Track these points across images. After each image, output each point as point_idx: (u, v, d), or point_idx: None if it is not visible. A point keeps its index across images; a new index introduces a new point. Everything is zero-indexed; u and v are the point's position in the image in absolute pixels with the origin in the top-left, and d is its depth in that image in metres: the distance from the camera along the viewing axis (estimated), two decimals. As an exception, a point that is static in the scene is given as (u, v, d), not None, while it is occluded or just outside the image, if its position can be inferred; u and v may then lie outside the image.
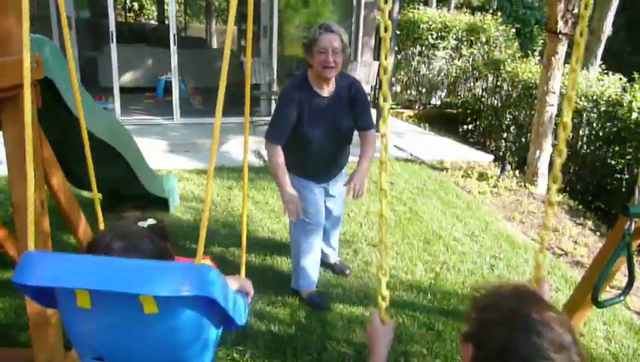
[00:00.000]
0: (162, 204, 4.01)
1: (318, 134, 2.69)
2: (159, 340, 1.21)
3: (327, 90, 2.70)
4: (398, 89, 10.40)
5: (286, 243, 3.71)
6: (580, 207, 5.56)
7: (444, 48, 10.02)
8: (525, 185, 5.64)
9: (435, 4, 14.33)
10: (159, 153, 5.82)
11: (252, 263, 3.38)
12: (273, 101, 7.17)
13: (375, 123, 3.12)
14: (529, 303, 0.97)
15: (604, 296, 3.18)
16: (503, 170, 5.88)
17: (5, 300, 2.84)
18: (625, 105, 5.78)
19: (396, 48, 9.05)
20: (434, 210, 4.60)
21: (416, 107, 10.03)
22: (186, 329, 1.21)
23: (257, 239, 3.77)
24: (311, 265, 3.00)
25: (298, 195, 2.70)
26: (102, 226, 1.85)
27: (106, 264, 1.17)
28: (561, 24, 5.11)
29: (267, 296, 3.02)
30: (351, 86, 2.77)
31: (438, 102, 10.32)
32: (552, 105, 5.52)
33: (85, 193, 4.09)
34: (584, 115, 6.36)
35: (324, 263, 3.33)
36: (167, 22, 10.57)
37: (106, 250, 1.23)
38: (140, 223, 1.35)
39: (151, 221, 1.37)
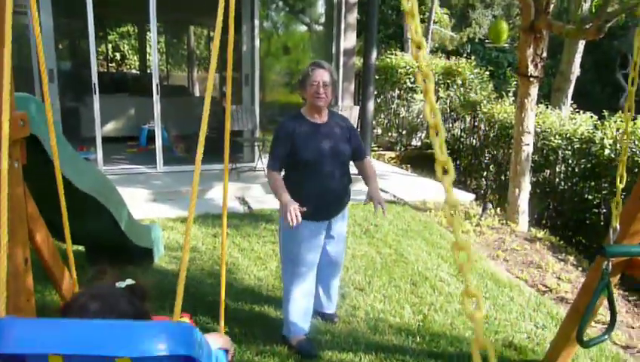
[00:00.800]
0: (147, 254, 3.98)
1: (314, 157, 2.81)
2: None
3: (320, 119, 2.90)
4: (379, 131, 10.60)
5: (273, 290, 3.69)
6: (562, 242, 5.65)
7: (421, 91, 10.28)
8: (507, 223, 5.72)
9: (411, 49, 14.80)
10: (143, 202, 5.80)
11: (239, 311, 3.35)
12: (256, 148, 7.25)
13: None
14: None
15: (589, 330, 3.21)
16: (484, 208, 5.98)
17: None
18: (597, 142, 5.98)
19: (375, 92, 9.28)
20: (419, 251, 4.63)
21: (398, 149, 10.20)
22: None
23: (244, 286, 3.74)
24: (302, 312, 2.97)
25: (295, 236, 2.81)
26: (75, 280, 1.82)
27: (80, 327, 1.14)
28: (531, 68, 5.33)
29: (255, 345, 2.98)
30: (344, 120, 3.05)
31: (419, 143, 10.52)
32: (528, 144, 5.68)
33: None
34: (559, 152, 6.54)
35: (317, 312, 3.24)
36: (149, 71, 10.73)
37: (81, 312, 1.21)
38: (118, 284, 1.33)
39: (129, 281, 1.36)
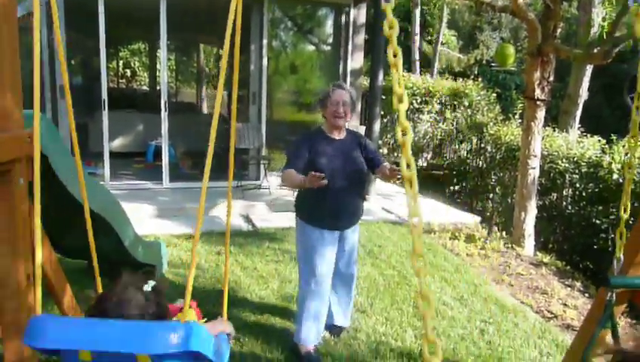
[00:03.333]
0: (150, 271, 3.97)
1: (331, 169, 2.88)
2: None
3: (338, 135, 3.05)
4: (385, 151, 10.61)
5: (275, 310, 3.66)
6: (568, 267, 5.59)
7: (428, 112, 10.34)
8: (513, 247, 5.68)
9: (418, 70, 14.91)
10: (148, 218, 5.81)
11: (241, 330, 3.32)
12: (262, 166, 7.28)
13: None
14: None
15: (595, 360, 3.16)
16: (490, 232, 5.94)
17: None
18: (605, 166, 5.95)
19: (382, 113, 9.32)
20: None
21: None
22: None
23: (246, 305, 3.72)
24: (314, 323, 3.05)
25: (310, 246, 2.93)
26: (100, 290, 1.92)
27: (105, 326, 1.36)
28: (538, 91, 5.35)
29: (255, 367, 2.95)
30: (359, 136, 3.19)
31: (425, 164, 10.52)
32: (534, 167, 5.66)
33: (68, 260, 4.05)
34: (566, 175, 6.52)
35: (328, 323, 3.29)
36: (158, 88, 10.85)
37: (106, 310, 1.41)
38: (145, 287, 1.52)
39: (152, 282, 1.55)
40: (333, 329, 3.38)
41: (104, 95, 6.69)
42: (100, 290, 1.98)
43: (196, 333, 1.35)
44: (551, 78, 5.42)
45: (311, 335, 3.06)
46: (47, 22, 6.23)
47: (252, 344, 3.18)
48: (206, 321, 2.10)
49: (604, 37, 5.23)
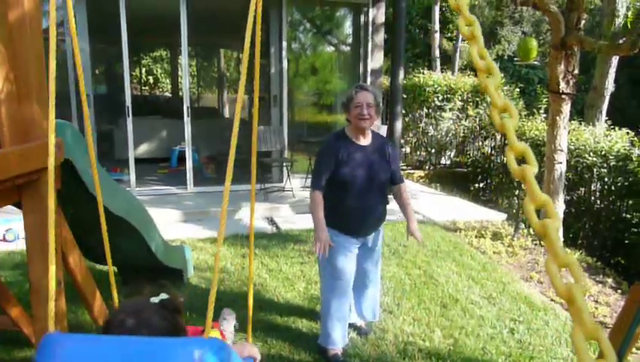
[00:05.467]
0: (177, 274, 4.02)
1: (355, 177, 2.89)
2: None
3: (363, 141, 2.97)
4: (408, 150, 10.54)
5: (301, 311, 3.66)
6: (599, 263, 5.45)
7: (450, 109, 10.23)
8: (541, 244, 5.57)
9: (439, 68, 14.77)
10: (173, 223, 5.88)
11: (268, 332, 3.33)
12: (285, 168, 7.30)
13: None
14: None
15: (631, 357, 3.07)
16: (516, 229, 5.84)
17: (19, 380, 2.81)
18: (634, 159, 5.79)
19: (403, 111, 9.25)
20: (449, 272, 4.54)
21: (427, 167, 10.11)
22: None
23: (273, 307, 3.72)
24: (338, 324, 3.05)
25: (330, 247, 2.86)
26: (116, 299, 1.91)
27: (121, 344, 1.25)
28: (562, 85, 5.23)
29: (283, 369, 2.95)
30: (385, 142, 3.10)
31: (448, 162, 10.41)
32: (561, 162, 5.54)
33: (100, 267, 4.12)
34: (594, 170, 6.37)
35: (350, 324, 3.31)
36: (180, 94, 10.99)
37: (120, 327, 1.31)
38: (152, 299, 1.42)
39: (163, 296, 1.44)
40: (360, 329, 3.38)
41: (128, 102, 6.80)
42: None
43: (221, 350, 1.24)
44: (576, 71, 5.30)
45: (336, 336, 3.06)
46: (70, 31, 6.37)
47: (279, 346, 3.19)
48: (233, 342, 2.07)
49: (629, 27, 5.09)
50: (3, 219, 5.07)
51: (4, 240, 5.04)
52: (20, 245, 4.81)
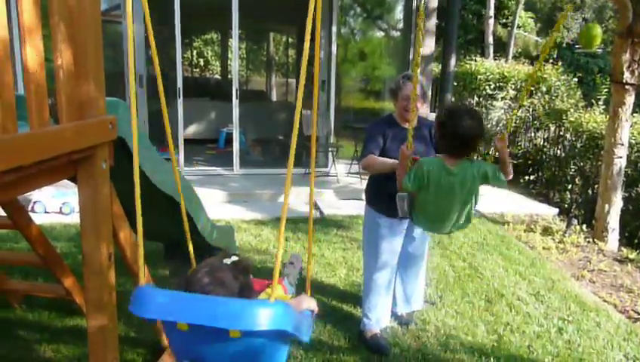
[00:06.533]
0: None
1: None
2: (241, 355, 1.54)
3: (409, 125, 2.82)
4: (456, 139, 10.29)
5: (342, 297, 3.66)
6: (657, 265, 5.17)
7: (502, 98, 9.90)
8: (594, 241, 5.33)
9: (492, 55, 14.31)
10: (219, 203, 5.98)
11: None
12: (330, 153, 7.27)
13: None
14: None
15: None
16: (569, 224, 5.61)
17: (70, 348, 2.94)
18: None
19: (453, 99, 9.03)
20: (495, 266, 4.42)
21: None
22: (262, 348, 1.56)
23: (314, 292, 3.72)
24: (380, 306, 3.07)
25: (376, 232, 2.94)
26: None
27: (201, 302, 1.49)
28: (627, 74, 4.95)
29: (322, 353, 2.96)
30: (430, 125, 3.01)
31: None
32: (621, 157, 5.27)
33: (149, 244, 4.24)
34: (657, 167, 6.02)
35: (392, 311, 3.30)
36: (230, 76, 11.11)
37: (198, 285, 1.56)
38: (225, 260, 1.66)
39: (234, 258, 1.68)
40: (401, 319, 3.36)
41: (179, 84, 6.93)
42: (194, 265, 2.09)
43: (283, 312, 1.46)
44: (642, 61, 4.99)
45: (376, 318, 3.08)
46: (126, 14, 6.52)
47: (319, 330, 3.20)
48: (291, 297, 2.15)
49: None
50: (60, 193, 5.30)
51: (61, 212, 5.27)
52: (75, 218, 5.01)
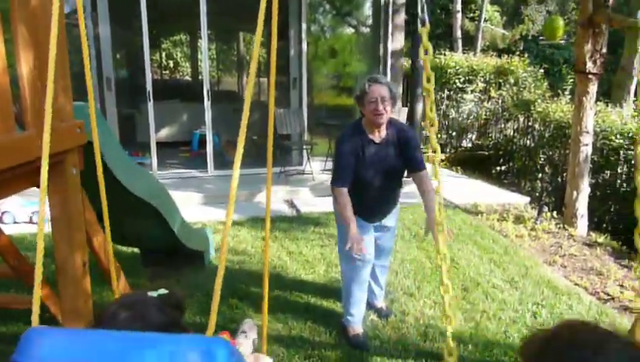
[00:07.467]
0: (198, 257, 4.06)
1: (371, 177, 2.87)
2: None
3: (378, 137, 2.87)
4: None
5: (321, 293, 3.68)
6: (625, 247, 5.34)
7: (472, 91, 10.06)
8: (564, 227, 5.48)
9: (460, 49, 14.50)
10: (194, 206, 5.94)
11: (287, 314, 3.35)
12: (304, 151, 7.29)
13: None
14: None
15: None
16: (540, 212, 5.75)
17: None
18: (664, 141, 5.63)
19: (423, 94, 9.13)
20: (470, 255, 4.50)
21: (448, 150, 9.99)
22: None
23: (294, 290, 3.74)
24: (358, 304, 3.11)
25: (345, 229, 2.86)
26: (115, 287, 1.82)
27: (109, 339, 1.07)
28: (589, 64, 5.09)
29: (304, 350, 2.98)
30: (400, 132, 2.91)
31: (469, 145, 10.27)
32: (587, 144, 5.42)
33: (123, 249, 4.19)
34: (621, 152, 6.21)
35: (371, 305, 3.38)
36: (200, 77, 11.01)
37: (112, 320, 1.19)
38: (150, 293, 1.30)
39: (162, 291, 1.32)
40: (380, 311, 3.41)
41: (149, 86, 6.84)
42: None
43: (225, 353, 0.98)
44: (603, 50, 5.14)
45: (356, 317, 3.11)
46: (92, 17, 6.40)
47: (300, 328, 3.21)
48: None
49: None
50: (29, 202, 5.18)
51: (31, 222, 5.15)
52: (47, 227, 4.90)
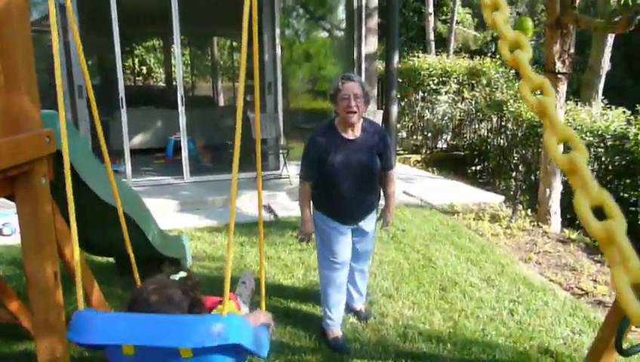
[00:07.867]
0: (175, 264, 4.01)
1: (344, 175, 2.86)
2: None
3: (352, 134, 2.89)
4: (404, 135, 10.51)
5: (300, 297, 3.67)
6: (597, 243, 5.45)
7: (446, 93, 10.18)
8: (539, 225, 5.58)
9: (433, 51, 14.68)
10: (170, 213, 5.86)
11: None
12: (281, 155, 7.27)
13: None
14: None
15: (631, 336, 3.09)
16: (514, 210, 5.84)
17: (20, 373, 2.81)
18: (631, 138, 5.79)
19: (399, 95, 9.21)
20: (448, 255, 4.55)
21: (423, 151, 10.09)
22: None
23: (272, 295, 3.72)
24: (337, 307, 3.11)
25: (327, 234, 2.98)
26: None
27: (149, 321, 1.37)
28: (558, 64, 5.20)
29: (284, 354, 2.96)
30: (377, 132, 2.97)
31: (445, 146, 10.39)
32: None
33: (97, 259, 4.12)
34: (591, 149, 6.36)
35: (350, 308, 3.38)
36: (174, 83, 10.91)
37: (145, 304, 1.43)
38: (173, 276, 1.57)
39: (182, 274, 1.60)
40: (360, 314, 3.40)
41: (122, 93, 6.74)
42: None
43: (237, 326, 1.37)
44: (572, 50, 5.26)
45: (335, 320, 3.11)
46: (63, 23, 6.28)
47: (280, 333, 3.19)
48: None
49: (629, 4, 5.05)
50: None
51: (1, 234, 5.02)
52: (17, 239, 4.78)
